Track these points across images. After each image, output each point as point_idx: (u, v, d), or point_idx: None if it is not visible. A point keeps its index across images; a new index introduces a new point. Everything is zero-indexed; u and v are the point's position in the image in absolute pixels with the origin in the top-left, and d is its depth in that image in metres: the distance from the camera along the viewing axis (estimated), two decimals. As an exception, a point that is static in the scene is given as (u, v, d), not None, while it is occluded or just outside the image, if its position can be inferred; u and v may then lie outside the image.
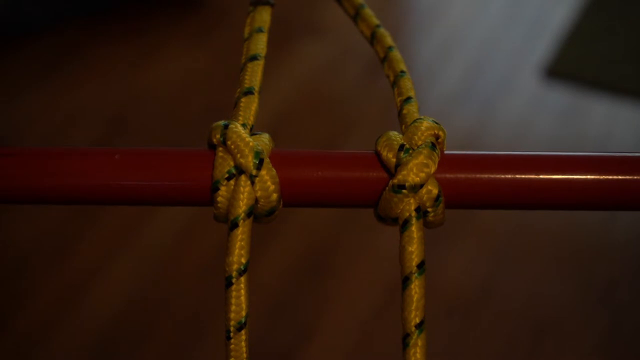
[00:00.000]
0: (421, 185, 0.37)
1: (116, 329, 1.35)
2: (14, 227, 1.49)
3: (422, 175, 0.37)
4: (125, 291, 1.39)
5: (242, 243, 0.37)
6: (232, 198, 0.37)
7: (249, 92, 0.40)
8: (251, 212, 0.37)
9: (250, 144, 0.37)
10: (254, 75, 0.41)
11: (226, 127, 0.37)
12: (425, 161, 0.37)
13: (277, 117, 1.69)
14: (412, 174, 0.37)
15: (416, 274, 0.37)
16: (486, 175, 0.38)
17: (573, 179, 0.38)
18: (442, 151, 0.38)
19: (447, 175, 0.38)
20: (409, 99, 0.41)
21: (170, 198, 0.38)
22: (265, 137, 0.38)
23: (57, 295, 1.39)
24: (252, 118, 0.39)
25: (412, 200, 0.37)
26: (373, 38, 0.45)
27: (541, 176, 0.38)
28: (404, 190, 0.37)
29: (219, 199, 0.37)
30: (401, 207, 0.37)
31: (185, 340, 1.33)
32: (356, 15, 0.45)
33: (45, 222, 1.49)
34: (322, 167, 0.38)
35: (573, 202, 0.38)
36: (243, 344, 0.37)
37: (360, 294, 1.40)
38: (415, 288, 0.37)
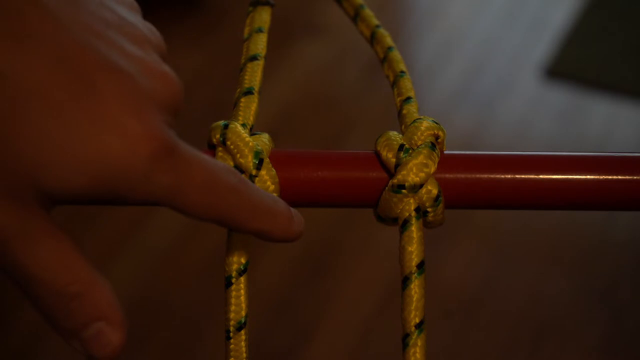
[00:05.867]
0: (421, 185, 0.37)
1: (116, 329, 1.35)
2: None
3: (422, 175, 0.37)
4: (125, 291, 1.39)
5: (242, 243, 0.37)
6: (232, 198, 0.37)
7: (248, 92, 0.40)
8: (251, 212, 0.37)
9: (250, 144, 0.37)
10: (254, 75, 0.40)
11: (226, 127, 0.37)
12: (425, 161, 0.37)
13: (277, 117, 1.69)
14: (411, 173, 0.37)
15: (416, 274, 0.37)
16: (486, 175, 0.38)
17: (573, 179, 0.38)
18: (441, 151, 0.38)
19: (447, 175, 0.38)
20: (408, 99, 0.41)
21: (170, 198, 0.37)
22: (265, 137, 0.38)
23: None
24: (252, 118, 0.39)
25: (411, 200, 0.37)
26: (373, 38, 0.45)
27: (541, 176, 0.38)
28: (403, 190, 0.37)
29: (219, 199, 0.37)
30: (401, 207, 0.37)
31: (185, 340, 1.33)
32: (356, 16, 0.45)
33: (45, 222, 1.49)
34: (322, 167, 0.38)
35: (573, 202, 0.38)
36: (243, 344, 0.37)
37: (361, 293, 1.40)
38: (415, 288, 0.37)
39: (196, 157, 0.31)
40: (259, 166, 0.36)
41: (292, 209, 0.36)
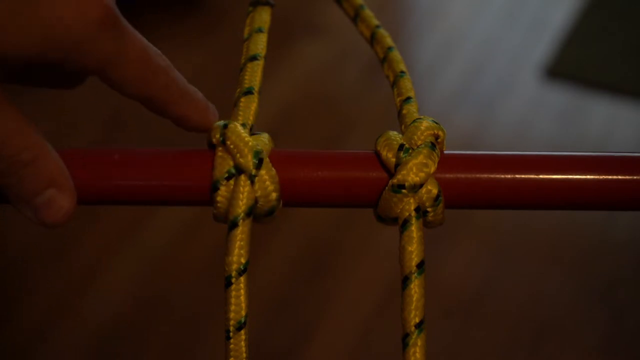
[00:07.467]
0: (421, 185, 0.37)
1: (116, 329, 1.35)
2: (14, 227, 1.49)
3: (422, 175, 0.37)
4: (125, 291, 1.39)
5: (242, 243, 0.37)
6: (232, 198, 0.37)
7: (248, 92, 0.40)
8: (251, 212, 0.37)
9: (250, 143, 0.37)
10: (254, 75, 0.40)
11: (225, 127, 0.37)
12: (424, 161, 0.37)
13: (277, 117, 1.69)
14: (411, 173, 0.37)
15: (416, 274, 0.37)
16: (486, 175, 0.38)
17: (573, 179, 0.38)
18: (441, 151, 0.38)
19: (447, 175, 0.38)
20: (408, 99, 0.41)
21: (170, 198, 0.37)
22: (264, 137, 0.38)
23: (57, 295, 1.39)
24: (251, 118, 0.39)
25: (411, 200, 0.37)
26: (373, 39, 0.45)
27: (541, 176, 0.38)
28: (403, 190, 0.37)
29: (219, 198, 0.37)
30: (401, 207, 0.37)
31: (185, 340, 1.33)
32: (356, 16, 0.45)
33: (45, 222, 1.49)
34: (322, 167, 0.38)
35: (573, 202, 0.38)
36: (242, 343, 0.37)
37: (361, 293, 1.40)
38: (415, 288, 0.37)
39: (134, 33, 0.34)
40: (258, 166, 0.37)
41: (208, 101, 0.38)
